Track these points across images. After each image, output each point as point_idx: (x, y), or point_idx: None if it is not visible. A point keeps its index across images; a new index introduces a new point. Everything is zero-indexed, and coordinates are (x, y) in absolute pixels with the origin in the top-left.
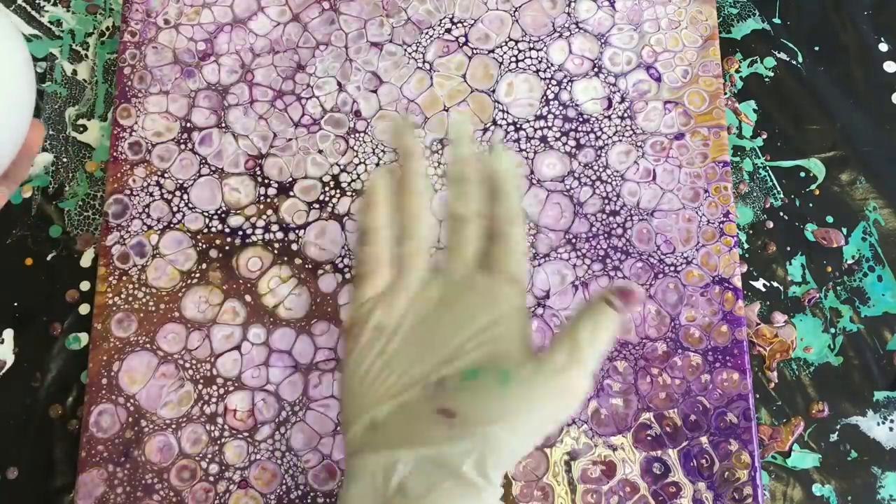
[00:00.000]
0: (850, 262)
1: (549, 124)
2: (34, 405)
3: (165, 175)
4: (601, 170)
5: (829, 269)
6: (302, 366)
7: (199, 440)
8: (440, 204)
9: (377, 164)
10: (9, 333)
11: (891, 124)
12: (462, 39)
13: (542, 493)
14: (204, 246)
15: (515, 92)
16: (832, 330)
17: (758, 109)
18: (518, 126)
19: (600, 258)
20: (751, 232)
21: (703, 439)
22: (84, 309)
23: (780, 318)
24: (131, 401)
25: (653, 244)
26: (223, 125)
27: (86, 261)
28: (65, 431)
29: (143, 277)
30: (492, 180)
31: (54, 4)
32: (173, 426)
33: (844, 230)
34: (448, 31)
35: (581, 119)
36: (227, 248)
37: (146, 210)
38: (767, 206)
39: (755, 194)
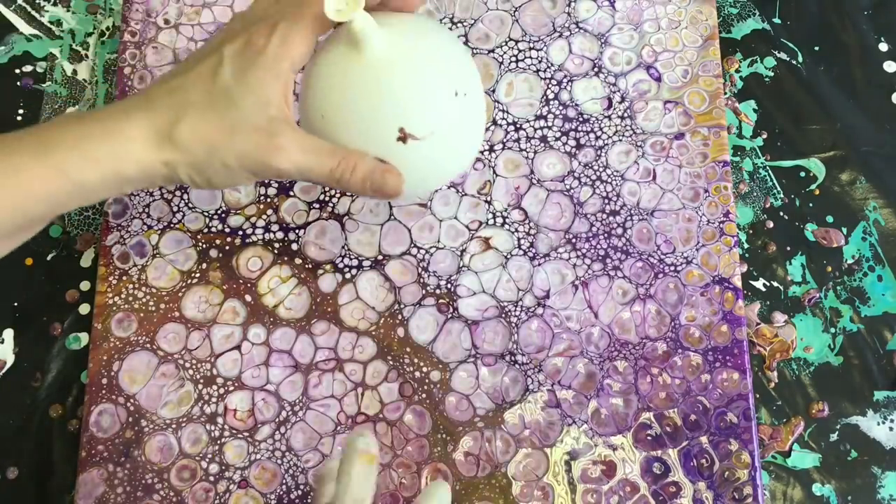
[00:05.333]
0: (850, 261)
1: (549, 124)
2: (34, 405)
3: None
4: (601, 170)
5: (829, 269)
6: (302, 366)
7: (199, 440)
8: (440, 204)
9: None
10: (9, 333)
11: (891, 124)
12: (462, 39)
13: (542, 493)
14: (204, 246)
15: (515, 92)
16: (832, 330)
17: (758, 109)
18: (518, 126)
19: (600, 258)
20: (751, 232)
21: (703, 439)
22: (84, 309)
23: (780, 317)
24: (131, 401)
25: (653, 244)
26: None
27: (86, 261)
28: (65, 431)
29: (143, 277)
30: None
31: (54, 4)
32: (173, 426)
33: (844, 230)
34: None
35: (581, 119)
36: (227, 247)
37: (146, 210)
38: (767, 206)
39: (755, 194)
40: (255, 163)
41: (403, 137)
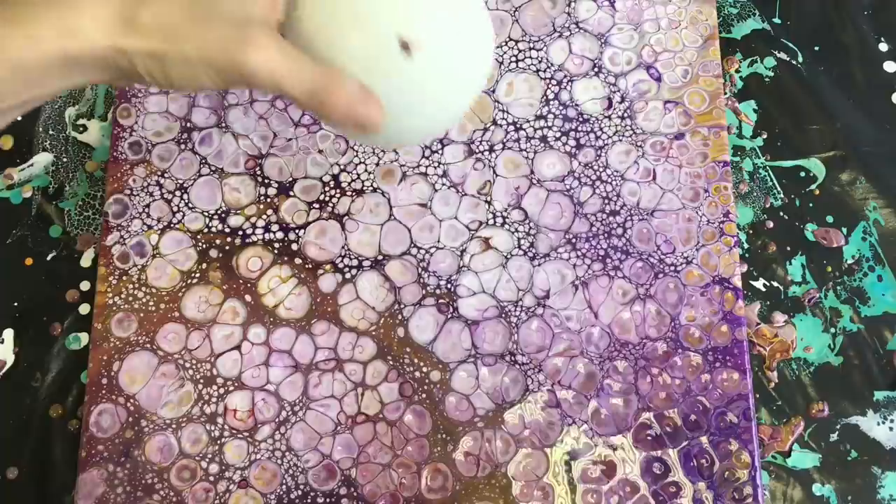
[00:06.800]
0: (850, 261)
1: (549, 124)
2: (34, 405)
3: (165, 175)
4: (601, 170)
5: (829, 269)
6: (302, 366)
7: (199, 440)
8: (440, 204)
9: (377, 165)
10: (9, 333)
11: (891, 124)
12: None
13: (542, 493)
14: (204, 246)
15: (515, 92)
16: (832, 330)
17: (758, 109)
18: (518, 126)
19: (600, 258)
20: (751, 232)
21: (703, 439)
22: (84, 309)
23: (780, 317)
24: (131, 401)
25: (653, 244)
26: (223, 125)
27: (86, 261)
28: (65, 431)
29: (143, 277)
30: None
31: None
32: (173, 426)
33: (844, 230)
34: None
35: (581, 119)
36: (227, 247)
37: (146, 210)
38: (767, 205)
39: (755, 194)
40: (222, 57)
41: (406, 47)
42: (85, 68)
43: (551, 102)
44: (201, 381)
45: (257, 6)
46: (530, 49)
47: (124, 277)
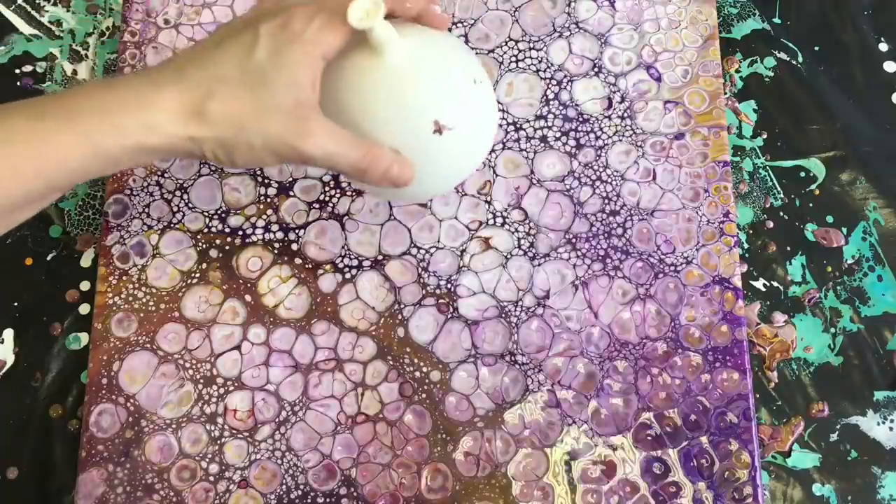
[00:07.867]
0: (850, 261)
1: (549, 124)
2: (34, 405)
3: (165, 175)
4: (601, 170)
5: (829, 269)
6: (302, 366)
7: (199, 440)
8: (440, 204)
9: None
10: (9, 333)
11: (891, 124)
12: (462, 39)
13: (542, 493)
14: (204, 246)
15: (515, 92)
16: (832, 330)
17: (758, 109)
18: (518, 126)
19: (600, 258)
20: (751, 232)
21: (703, 439)
22: (84, 309)
23: (780, 317)
24: (131, 401)
25: (653, 244)
26: None
27: (86, 261)
28: (65, 431)
29: (143, 277)
30: None
31: (54, 4)
32: (173, 426)
33: (844, 230)
34: (448, 30)
35: (581, 119)
36: (227, 247)
37: (146, 210)
38: (767, 205)
39: (755, 194)
40: (283, 145)
41: (439, 129)
42: (157, 153)
43: (551, 102)
44: (201, 381)
45: (304, 92)
46: (530, 49)
47: (124, 277)
